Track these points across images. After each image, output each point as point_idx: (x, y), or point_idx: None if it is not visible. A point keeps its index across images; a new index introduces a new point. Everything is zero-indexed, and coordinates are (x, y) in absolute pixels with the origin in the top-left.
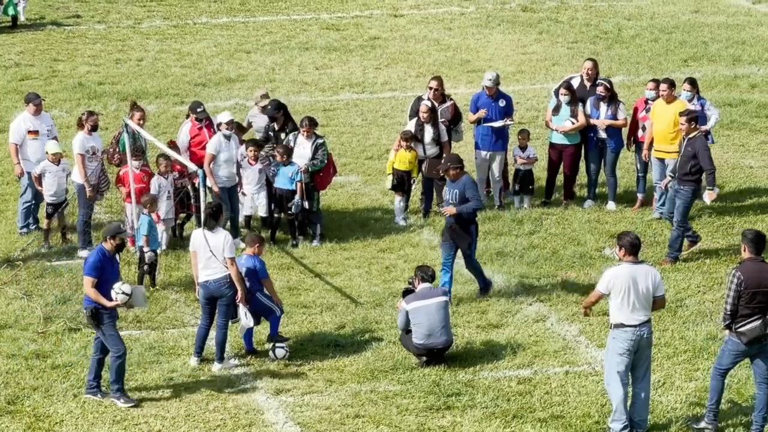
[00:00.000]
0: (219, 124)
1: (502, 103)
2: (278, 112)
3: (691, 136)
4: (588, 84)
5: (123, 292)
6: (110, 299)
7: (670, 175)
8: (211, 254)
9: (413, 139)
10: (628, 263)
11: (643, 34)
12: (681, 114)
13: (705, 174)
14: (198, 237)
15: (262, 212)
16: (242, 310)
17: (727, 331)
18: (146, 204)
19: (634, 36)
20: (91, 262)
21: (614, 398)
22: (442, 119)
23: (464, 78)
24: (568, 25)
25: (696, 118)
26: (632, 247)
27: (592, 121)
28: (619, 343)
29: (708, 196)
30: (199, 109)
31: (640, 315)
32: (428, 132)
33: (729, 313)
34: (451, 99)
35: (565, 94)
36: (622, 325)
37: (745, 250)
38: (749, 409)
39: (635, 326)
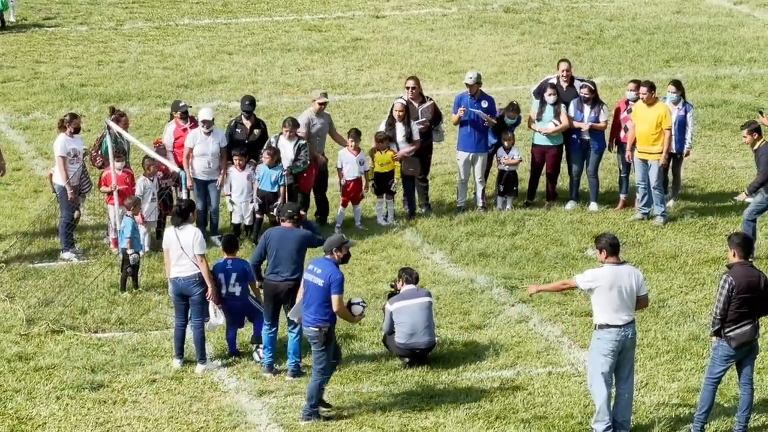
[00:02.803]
0: (204, 122)
1: (484, 104)
2: (254, 108)
3: (756, 147)
4: (565, 85)
5: (361, 304)
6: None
7: (745, 193)
8: (182, 251)
9: (387, 139)
10: (610, 264)
11: (625, 35)
12: (742, 127)
13: (757, 177)
14: (170, 234)
15: (248, 221)
16: (212, 308)
17: (714, 338)
18: (130, 206)
19: (616, 37)
20: (341, 279)
21: (598, 399)
22: (423, 119)
23: (446, 79)
24: (550, 26)
25: (758, 128)
26: (612, 248)
27: (575, 123)
28: (604, 344)
29: (741, 195)
30: (181, 104)
31: (624, 316)
32: (400, 130)
33: (719, 318)
34: (431, 99)
35: (551, 95)
36: (607, 326)
37: (734, 255)
38: (731, 409)
39: (619, 327)
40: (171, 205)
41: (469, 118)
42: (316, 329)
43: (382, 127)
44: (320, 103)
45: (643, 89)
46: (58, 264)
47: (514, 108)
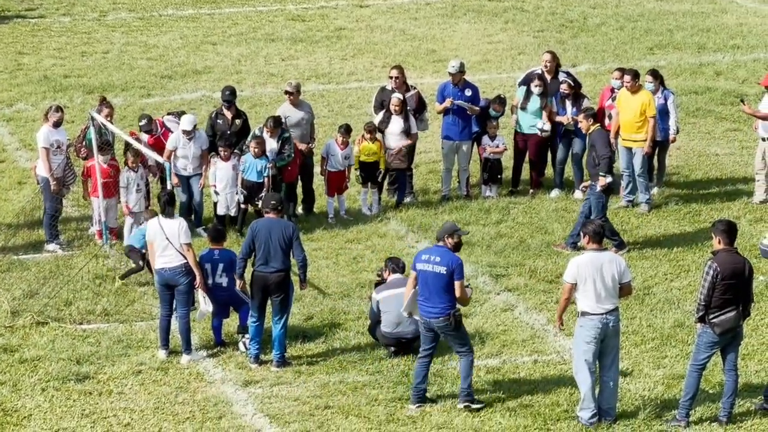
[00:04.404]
0: (184, 132)
1: (468, 92)
2: (235, 98)
3: (590, 131)
4: (549, 77)
5: (469, 287)
6: None
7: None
8: (168, 242)
9: (376, 130)
10: (592, 251)
11: (609, 23)
12: (579, 112)
13: (600, 159)
14: (154, 226)
15: (233, 212)
16: (200, 295)
17: (699, 325)
18: (148, 219)
19: (600, 24)
20: (462, 264)
21: (582, 386)
22: (407, 108)
23: (430, 68)
24: (534, 14)
25: (594, 115)
26: (596, 235)
27: (558, 118)
28: (586, 331)
29: (599, 182)
30: (141, 123)
31: (606, 303)
32: (397, 124)
33: (703, 304)
34: (415, 88)
35: (537, 86)
36: (589, 313)
37: (719, 242)
38: (716, 395)
39: (602, 314)
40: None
41: (453, 107)
42: (445, 318)
43: (378, 118)
44: (284, 92)
45: (627, 77)
46: (43, 255)
47: (500, 101)
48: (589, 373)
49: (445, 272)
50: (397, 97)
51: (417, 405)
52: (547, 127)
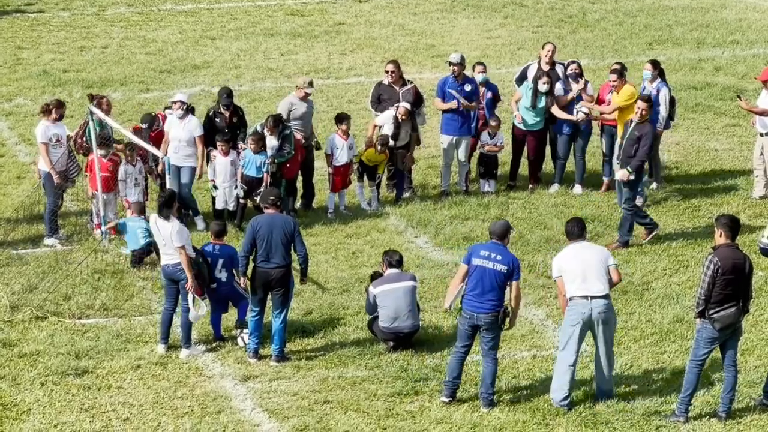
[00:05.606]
0: (174, 102)
1: (467, 87)
2: (232, 99)
3: (643, 121)
4: (547, 68)
5: None
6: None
7: (616, 163)
8: (164, 242)
9: (388, 144)
10: (572, 243)
11: (608, 18)
12: (641, 98)
13: (636, 158)
14: (152, 224)
15: (231, 207)
16: (191, 299)
17: (699, 320)
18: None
19: (599, 19)
20: (519, 264)
21: (558, 366)
22: (404, 101)
23: (429, 63)
24: (533, 9)
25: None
26: (569, 234)
27: (566, 116)
28: (571, 315)
29: (620, 174)
30: (144, 125)
31: (590, 286)
32: (404, 130)
33: (703, 298)
34: (412, 82)
35: (545, 83)
36: (572, 297)
37: (721, 236)
38: (716, 391)
39: (586, 298)
40: (149, 191)
41: (450, 100)
42: (495, 314)
43: (381, 119)
44: (303, 92)
45: (612, 76)
46: (42, 250)
47: (479, 63)
48: (568, 357)
49: (505, 271)
50: (404, 106)
51: (449, 399)
52: (585, 109)
